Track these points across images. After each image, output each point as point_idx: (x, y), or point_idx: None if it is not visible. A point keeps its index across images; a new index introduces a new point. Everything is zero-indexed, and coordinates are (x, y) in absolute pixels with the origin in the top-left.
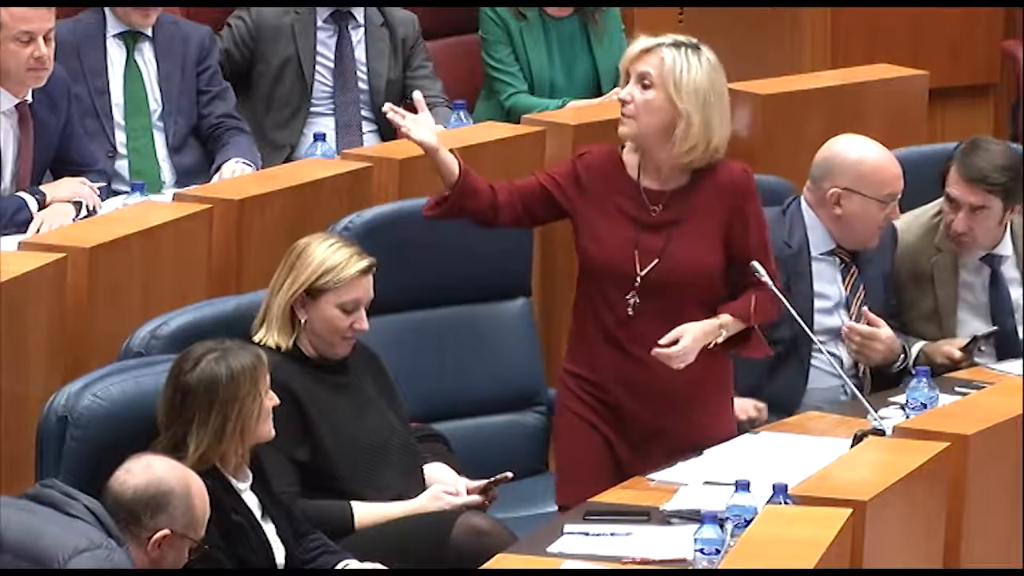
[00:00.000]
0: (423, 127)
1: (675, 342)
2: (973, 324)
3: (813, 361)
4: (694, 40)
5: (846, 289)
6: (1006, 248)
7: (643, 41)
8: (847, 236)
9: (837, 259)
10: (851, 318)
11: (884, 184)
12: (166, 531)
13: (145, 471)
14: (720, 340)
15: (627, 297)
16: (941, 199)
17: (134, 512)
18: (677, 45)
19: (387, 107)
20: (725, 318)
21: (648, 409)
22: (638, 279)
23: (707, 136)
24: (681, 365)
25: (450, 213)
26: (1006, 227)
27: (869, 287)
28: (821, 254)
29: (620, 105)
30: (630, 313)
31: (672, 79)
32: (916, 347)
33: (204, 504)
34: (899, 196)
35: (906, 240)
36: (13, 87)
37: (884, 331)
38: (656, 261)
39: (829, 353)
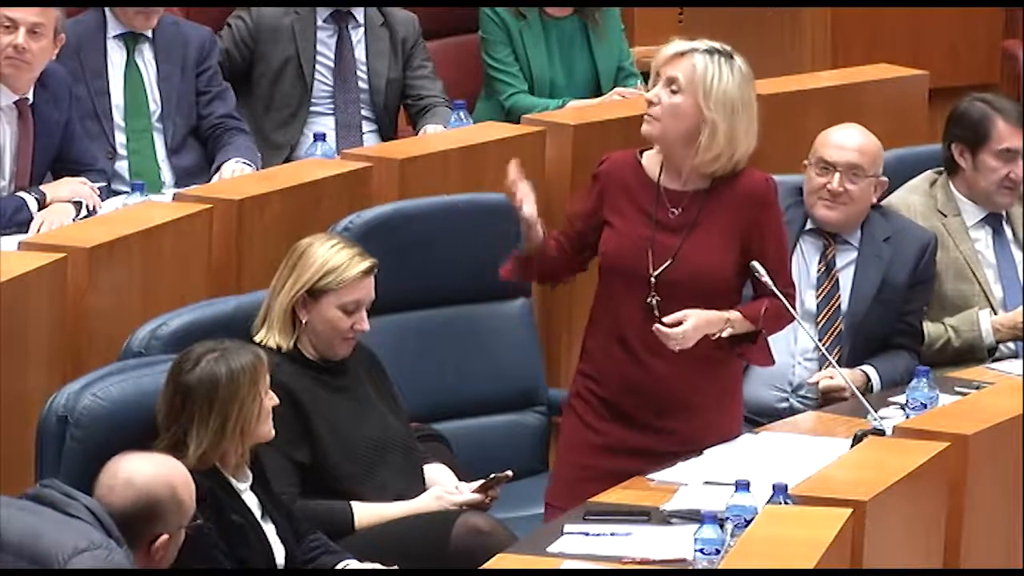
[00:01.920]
0: (531, 200)
1: (679, 324)
2: (994, 283)
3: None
4: (728, 48)
5: (818, 270)
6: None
7: (677, 44)
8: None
9: (821, 240)
10: (816, 299)
11: (816, 149)
12: (165, 537)
13: (127, 487)
14: (724, 335)
15: (647, 299)
16: (927, 172)
17: (127, 527)
18: (711, 52)
19: (514, 163)
20: (733, 314)
21: (653, 414)
22: (652, 279)
23: (732, 147)
24: (677, 347)
25: (524, 276)
26: None
27: (859, 281)
28: (806, 231)
29: (647, 105)
30: (656, 315)
31: (702, 86)
32: (982, 319)
33: (190, 490)
34: (833, 165)
35: (912, 206)
36: (4, 80)
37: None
38: (669, 261)
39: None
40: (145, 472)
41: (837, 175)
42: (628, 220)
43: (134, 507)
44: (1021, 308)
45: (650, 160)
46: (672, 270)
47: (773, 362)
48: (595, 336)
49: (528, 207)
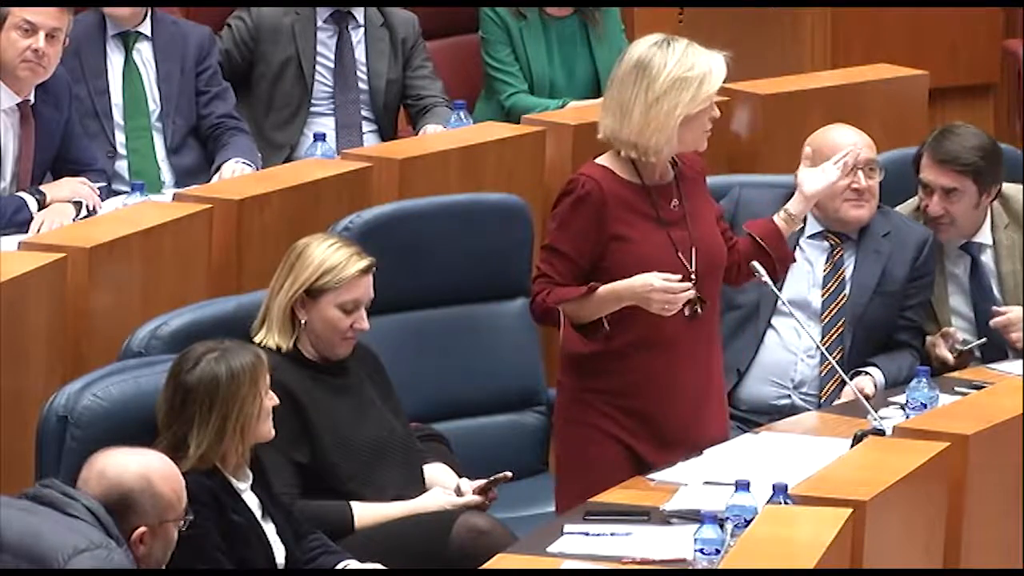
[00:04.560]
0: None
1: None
2: (963, 311)
3: (771, 334)
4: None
5: (825, 270)
6: (985, 236)
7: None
8: (820, 213)
9: (826, 242)
10: (822, 297)
11: (827, 152)
12: (142, 529)
13: (100, 481)
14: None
15: (691, 298)
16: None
17: (105, 521)
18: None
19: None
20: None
21: (681, 411)
22: (692, 275)
23: None
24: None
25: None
26: (986, 214)
27: (858, 275)
28: (811, 236)
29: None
30: (699, 310)
31: None
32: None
33: (171, 483)
34: (854, 165)
35: None
36: (12, 83)
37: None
38: (695, 251)
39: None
40: (119, 464)
41: (860, 173)
42: (641, 230)
43: (106, 498)
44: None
45: (616, 165)
46: (699, 260)
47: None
48: (615, 352)
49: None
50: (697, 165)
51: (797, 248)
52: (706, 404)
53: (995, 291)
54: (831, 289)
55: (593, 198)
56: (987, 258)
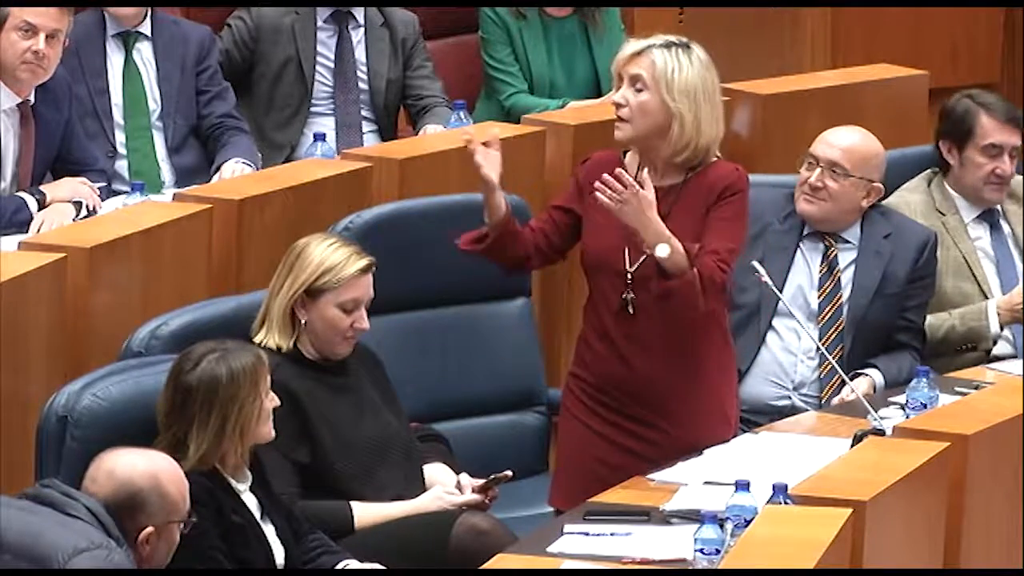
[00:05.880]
0: (492, 163)
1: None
2: (992, 278)
3: (771, 335)
4: (685, 39)
5: (821, 271)
6: (997, 204)
7: (634, 44)
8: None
9: (821, 243)
10: (819, 298)
11: (812, 145)
12: (149, 529)
13: (109, 479)
14: (659, 252)
15: (623, 295)
16: (925, 172)
17: (113, 520)
18: (668, 46)
19: (467, 139)
20: (673, 240)
21: (638, 408)
22: (629, 274)
23: (697, 135)
24: (616, 203)
25: (489, 253)
26: None
27: (859, 276)
28: (807, 236)
29: (615, 108)
30: (630, 311)
31: (664, 80)
32: (990, 309)
33: (178, 484)
34: (817, 160)
35: (912, 205)
36: (12, 83)
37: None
38: (644, 257)
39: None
40: (127, 463)
41: (818, 170)
42: (607, 217)
43: (114, 497)
44: (1020, 287)
45: (632, 159)
46: (647, 265)
47: (700, 309)
48: (583, 335)
49: (487, 169)
50: (726, 179)
51: (797, 249)
52: (666, 408)
53: (1015, 257)
54: (827, 290)
55: (582, 176)
56: (1002, 224)
